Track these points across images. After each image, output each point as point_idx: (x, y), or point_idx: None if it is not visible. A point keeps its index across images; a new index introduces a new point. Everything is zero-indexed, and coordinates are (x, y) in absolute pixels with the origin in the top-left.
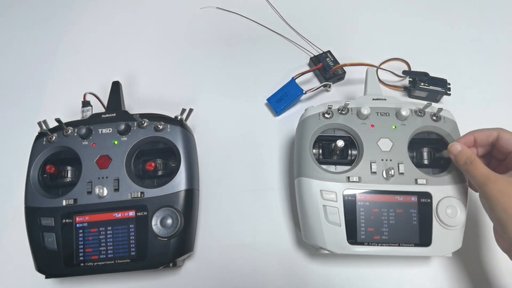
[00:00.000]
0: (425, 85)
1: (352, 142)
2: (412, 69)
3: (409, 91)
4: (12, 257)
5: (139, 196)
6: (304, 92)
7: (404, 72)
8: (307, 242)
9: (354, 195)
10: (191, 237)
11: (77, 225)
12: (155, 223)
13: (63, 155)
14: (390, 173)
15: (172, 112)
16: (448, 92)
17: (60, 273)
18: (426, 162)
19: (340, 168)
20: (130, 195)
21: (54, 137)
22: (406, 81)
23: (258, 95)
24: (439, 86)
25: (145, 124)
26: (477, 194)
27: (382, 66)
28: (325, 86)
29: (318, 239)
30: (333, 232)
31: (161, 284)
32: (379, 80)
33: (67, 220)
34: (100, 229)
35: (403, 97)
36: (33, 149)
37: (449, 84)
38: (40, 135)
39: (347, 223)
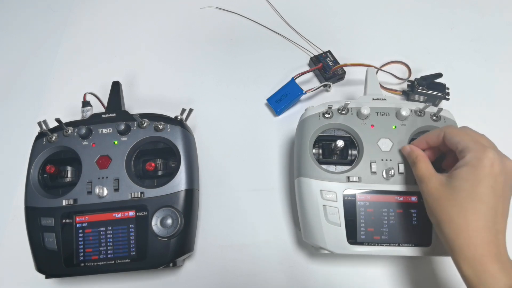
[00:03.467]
0: (423, 90)
1: (352, 142)
2: (411, 71)
3: (407, 95)
4: (12, 257)
5: (139, 196)
6: (304, 92)
7: (419, 81)
8: (307, 242)
9: (354, 195)
10: (191, 237)
11: (77, 225)
12: (155, 223)
13: (63, 155)
14: (390, 173)
15: (172, 112)
16: (446, 97)
17: (60, 273)
18: None
19: (340, 168)
20: (130, 195)
21: (54, 137)
22: (404, 85)
23: (258, 95)
24: (438, 91)
25: (145, 124)
26: None
27: (382, 68)
28: (325, 86)
29: (318, 239)
30: (333, 232)
31: (161, 284)
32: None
33: (67, 220)
34: (100, 229)
35: (402, 100)
36: (33, 149)
37: (448, 88)
38: (40, 135)
39: (347, 223)
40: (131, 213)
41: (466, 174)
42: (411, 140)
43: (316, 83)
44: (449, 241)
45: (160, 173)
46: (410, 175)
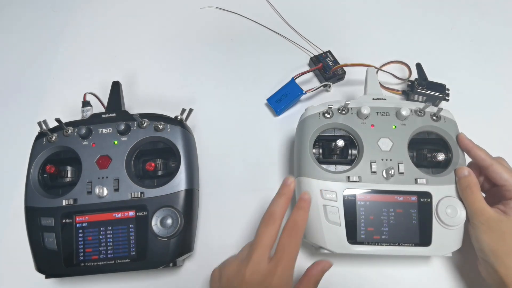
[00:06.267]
0: (423, 90)
1: (352, 141)
2: (412, 70)
3: (407, 95)
4: (12, 257)
5: (139, 196)
6: (304, 92)
7: (419, 81)
8: (307, 241)
9: (354, 195)
10: (191, 237)
11: (77, 225)
12: (155, 223)
13: (63, 155)
14: (390, 172)
15: (172, 112)
16: (446, 97)
17: (60, 273)
18: (426, 162)
19: (340, 167)
20: (130, 195)
21: (54, 137)
22: (404, 85)
23: (258, 95)
24: (438, 91)
25: (145, 124)
26: None
27: (382, 68)
28: (325, 86)
29: (318, 239)
30: (333, 231)
31: (161, 284)
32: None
33: (67, 220)
34: (100, 229)
35: (402, 100)
36: (33, 149)
37: (448, 89)
38: (40, 135)
39: (347, 222)
40: (131, 213)
41: None
42: (412, 140)
43: (316, 83)
44: (509, 269)
45: (160, 173)
46: (410, 175)
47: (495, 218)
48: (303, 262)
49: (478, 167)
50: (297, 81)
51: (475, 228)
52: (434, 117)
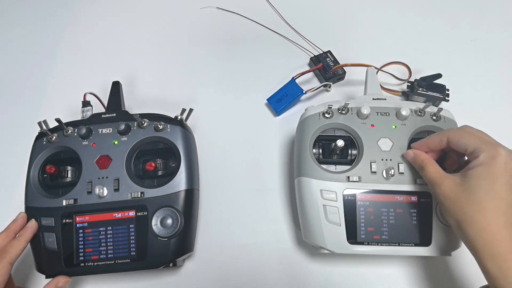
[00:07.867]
0: (423, 91)
1: (352, 141)
2: (412, 71)
3: (407, 96)
4: None
5: (139, 196)
6: (304, 92)
7: (419, 81)
8: (307, 241)
9: (354, 195)
10: (191, 237)
11: (77, 225)
12: (155, 223)
13: (63, 155)
14: (390, 172)
15: (172, 112)
16: (446, 98)
17: (60, 273)
18: None
19: (340, 167)
20: (130, 195)
21: (54, 137)
22: (404, 86)
23: (258, 95)
24: (438, 92)
25: (145, 124)
26: None
27: (382, 69)
28: (325, 86)
29: (318, 239)
30: (333, 231)
31: (161, 284)
32: None
33: (67, 220)
34: (100, 229)
35: (401, 100)
36: (33, 149)
37: (448, 90)
38: (40, 135)
39: (347, 222)
40: (131, 213)
41: (481, 173)
42: (412, 140)
43: (316, 83)
44: (471, 240)
45: (160, 173)
46: (410, 175)
47: (449, 185)
48: (303, 262)
49: (437, 151)
50: (297, 81)
51: (437, 200)
52: (434, 117)
